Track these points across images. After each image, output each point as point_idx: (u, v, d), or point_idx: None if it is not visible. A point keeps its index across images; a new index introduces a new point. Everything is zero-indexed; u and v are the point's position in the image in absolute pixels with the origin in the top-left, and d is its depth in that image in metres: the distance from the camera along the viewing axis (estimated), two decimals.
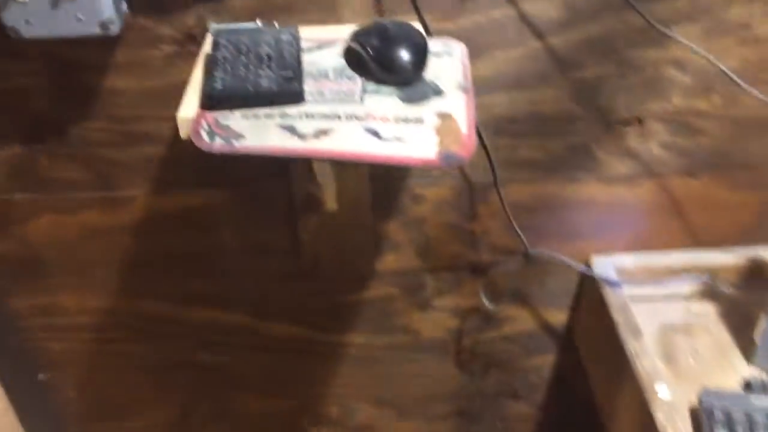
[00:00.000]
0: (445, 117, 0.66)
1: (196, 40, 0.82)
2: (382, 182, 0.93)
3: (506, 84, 0.86)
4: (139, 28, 0.80)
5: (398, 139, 0.63)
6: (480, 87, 0.82)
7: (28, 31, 0.72)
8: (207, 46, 0.77)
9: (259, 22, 0.80)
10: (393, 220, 0.98)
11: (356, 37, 0.73)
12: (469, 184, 0.94)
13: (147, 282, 1.02)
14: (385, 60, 0.69)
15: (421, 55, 0.70)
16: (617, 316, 0.91)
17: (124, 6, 0.77)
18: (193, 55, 0.82)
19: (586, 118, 0.89)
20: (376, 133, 0.64)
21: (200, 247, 0.98)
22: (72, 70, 0.83)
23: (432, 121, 0.65)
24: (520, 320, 1.08)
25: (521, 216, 0.95)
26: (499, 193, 0.91)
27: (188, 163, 0.90)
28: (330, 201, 0.93)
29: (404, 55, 0.69)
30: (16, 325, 1.06)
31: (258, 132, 0.64)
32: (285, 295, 1.04)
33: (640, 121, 0.89)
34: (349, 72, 0.71)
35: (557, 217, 0.98)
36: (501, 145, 0.90)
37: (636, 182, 0.94)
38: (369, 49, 0.70)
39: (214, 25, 0.80)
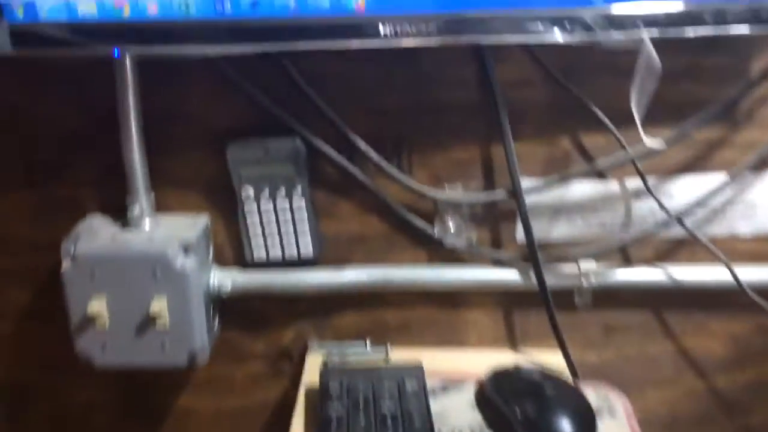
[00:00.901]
0: None
1: (291, 359, 0.69)
2: None
3: (658, 425, 0.72)
4: (226, 344, 0.68)
5: None
6: None
7: (102, 360, 0.59)
8: (308, 375, 0.63)
9: (368, 344, 0.68)
10: None
11: (496, 386, 0.59)
12: None
13: None
14: (542, 430, 0.54)
15: (588, 428, 0.55)
16: None
17: (216, 325, 0.65)
18: (285, 376, 0.69)
19: None
20: None
21: None
22: (143, 389, 0.70)
23: None
24: None
25: None
26: None
27: None
28: None
29: (567, 427, 0.54)
30: None
31: None
32: None
33: None
34: None
35: None
36: None
37: None
38: (517, 410, 0.56)
39: (315, 345, 0.68)
